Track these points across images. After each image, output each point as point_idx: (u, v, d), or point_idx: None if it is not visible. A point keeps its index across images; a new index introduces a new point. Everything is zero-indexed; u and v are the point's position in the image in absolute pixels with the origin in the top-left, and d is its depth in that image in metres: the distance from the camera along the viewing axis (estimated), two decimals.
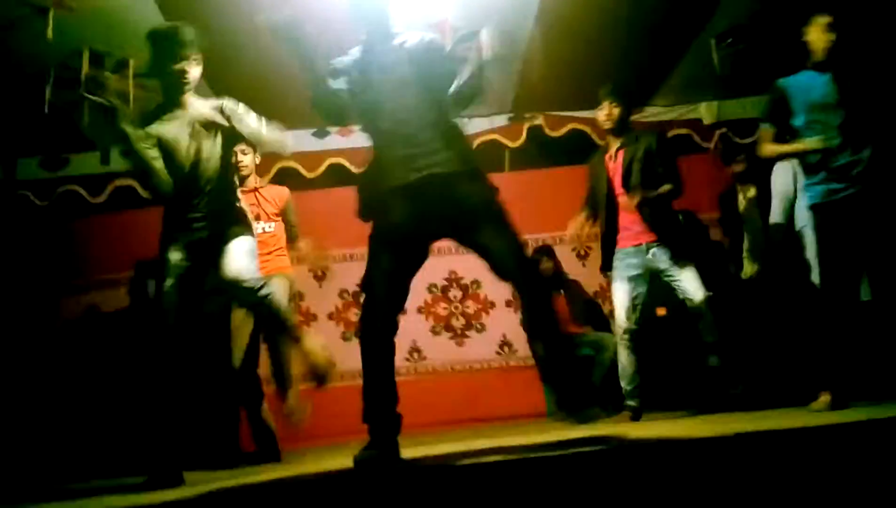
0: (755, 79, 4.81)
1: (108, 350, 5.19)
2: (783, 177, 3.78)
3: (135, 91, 4.16)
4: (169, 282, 2.63)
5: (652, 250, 3.54)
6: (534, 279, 2.37)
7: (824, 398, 2.80)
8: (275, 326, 2.88)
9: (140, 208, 4.98)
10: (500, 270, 2.29)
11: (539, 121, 5.34)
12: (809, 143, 2.91)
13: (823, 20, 2.94)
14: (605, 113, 3.66)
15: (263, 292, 2.65)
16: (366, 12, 2.47)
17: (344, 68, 2.49)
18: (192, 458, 2.66)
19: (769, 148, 3.10)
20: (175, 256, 2.68)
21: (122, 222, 5.32)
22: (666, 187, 3.54)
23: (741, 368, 3.52)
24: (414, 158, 2.30)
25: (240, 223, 2.79)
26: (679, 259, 3.50)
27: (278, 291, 3.58)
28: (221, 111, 2.78)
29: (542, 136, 5.37)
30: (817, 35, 2.95)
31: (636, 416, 3.53)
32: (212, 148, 2.75)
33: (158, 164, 2.67)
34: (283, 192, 3.93)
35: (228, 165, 2.85)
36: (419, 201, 2.30)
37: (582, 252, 5.68)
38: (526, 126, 5.34)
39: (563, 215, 5.09)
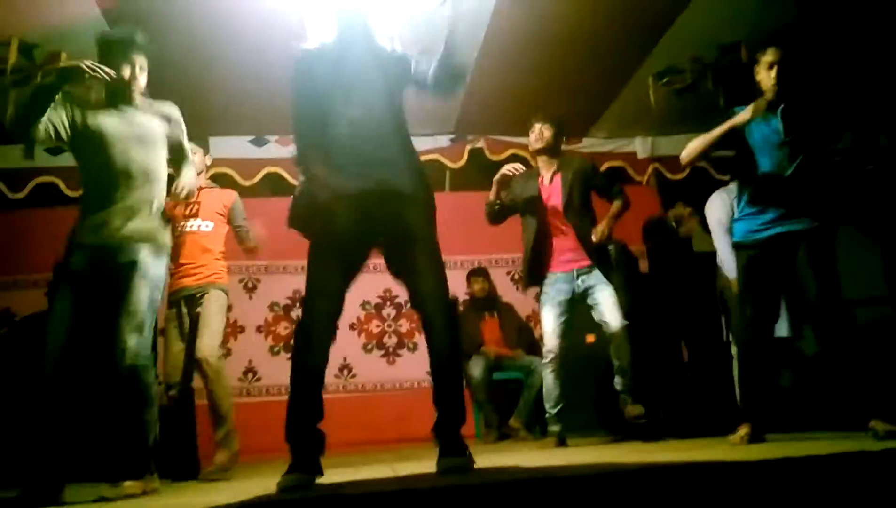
0: (689, 117, 5.03)
1: (21, 355, 4.92)
2: (718, 205, 3.88)
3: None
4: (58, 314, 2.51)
5: (581, 277, 3.59)
6: (451, 320, 2.30)
7: (743, 430, 2.87)
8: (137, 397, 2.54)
9: (63, 205, 4.75)
10: (420, 301, 2.27)
11: (481, 144, 5.40)
12: (739, 117, 2.85)
13: (767, 58, 2.91)
14: (536, 135, 3.72)
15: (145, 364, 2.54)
16: (346, 12, 2.43)
17: (314, 55, 2.43)
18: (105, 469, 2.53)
19: (691, 144, 3.00)
20: (75, 268, 2.56)
21: (42, 219, 5.06)
22: (617, 205, 3.60)
23: (655, 395, 3.59)
24: (367, 166, 2.26)
25: (156, 237, 2.68)
26: (602, 285, 3.54)
27: (213, 306, 3.53)
28: (168, 118, 2.76)
29: (483, 159, 5.42)
30: (763, 73, 2.92)
31: (561, 441, 3.55)
32: (151, 151, 2.68)
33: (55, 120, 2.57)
34: (230, 194, 3.82)
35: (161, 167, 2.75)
36: (366, 211, 2.25)
37: (516, 276, 5.74)
38: (468, 148, 5.39)
39: (499, 238, 5.15)
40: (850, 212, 5.64)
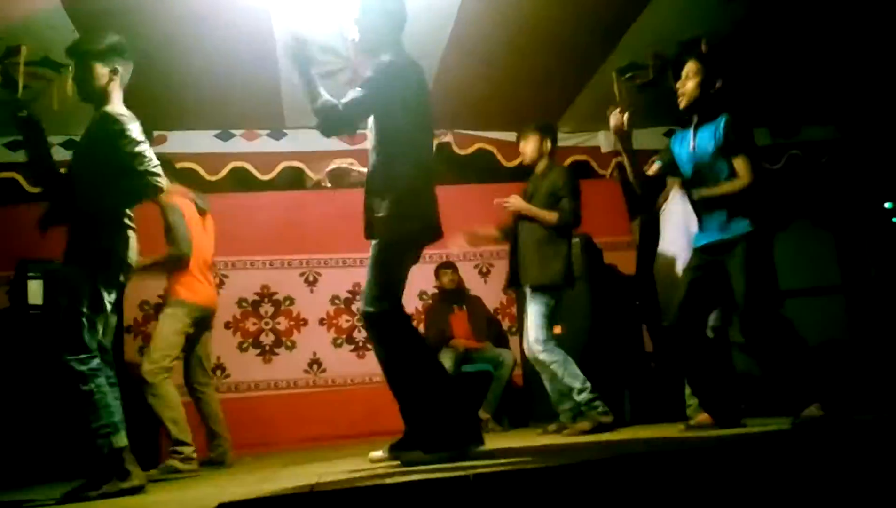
0: (652, 112, 5.12)
1: None
2: (682, 205, 3.88)
3: (25, 79, 3.94)
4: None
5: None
6: (380, 336, 2.55)
7: (700, 417, 2.98)
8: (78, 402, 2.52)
9: (24, 203, 4.65)
10: None
11: (448, 138, 5.42)
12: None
13: (688, 69, 2.91)
14: (520, 148, 3.95)
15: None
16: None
17: None
18: None
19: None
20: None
21: (3, 217, 4.96)
22: (548, 216, 3.72)
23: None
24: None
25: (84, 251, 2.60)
26: (528, 305, 3.68)
27: (159, 323, 3.65)
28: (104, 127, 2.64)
29: (451, 153, 5.45)
30: (682, 82, 2.93)
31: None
32: (91, 165, 2.65)
33: None
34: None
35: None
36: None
37: (484, 269, 5.79)
38: (435, 142, 5.40)
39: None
40: (805, 205, 5.79)
